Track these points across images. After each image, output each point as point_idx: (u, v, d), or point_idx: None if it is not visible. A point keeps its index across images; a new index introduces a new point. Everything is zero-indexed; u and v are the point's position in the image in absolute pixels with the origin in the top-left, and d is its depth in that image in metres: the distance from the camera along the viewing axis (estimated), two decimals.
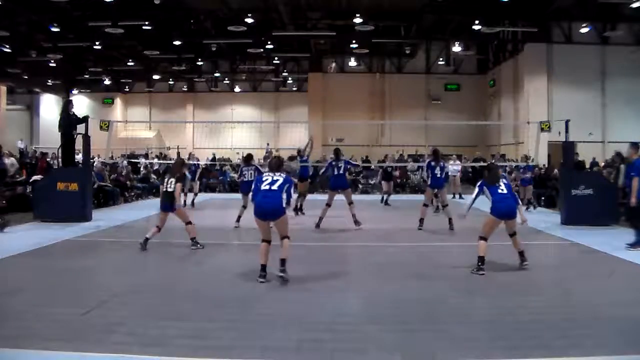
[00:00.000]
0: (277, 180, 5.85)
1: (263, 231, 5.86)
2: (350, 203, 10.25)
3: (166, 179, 7.81)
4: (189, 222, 7.84)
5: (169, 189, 7.61)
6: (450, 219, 9.99)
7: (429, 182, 10.43)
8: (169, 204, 7.65)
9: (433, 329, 4.34)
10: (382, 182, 15.85)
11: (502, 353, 3.80)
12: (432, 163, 10.32)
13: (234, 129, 29.76)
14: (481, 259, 6.32)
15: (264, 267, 5.76)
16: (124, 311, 4.73)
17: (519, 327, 4.34)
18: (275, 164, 6.18)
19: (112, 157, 15.36)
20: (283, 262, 5.76)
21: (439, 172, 10.19)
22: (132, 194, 16.08)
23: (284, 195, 5.88)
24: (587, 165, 17.74)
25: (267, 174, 6.03)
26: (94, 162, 14.06)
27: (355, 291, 5.53)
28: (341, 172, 10.46)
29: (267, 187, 5.81)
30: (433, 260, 7.40)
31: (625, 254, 7.45)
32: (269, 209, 5.74)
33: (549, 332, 4.18)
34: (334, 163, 10.62)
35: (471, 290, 5.58)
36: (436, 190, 10.58)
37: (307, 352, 3.83)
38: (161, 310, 4.79)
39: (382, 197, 15.56)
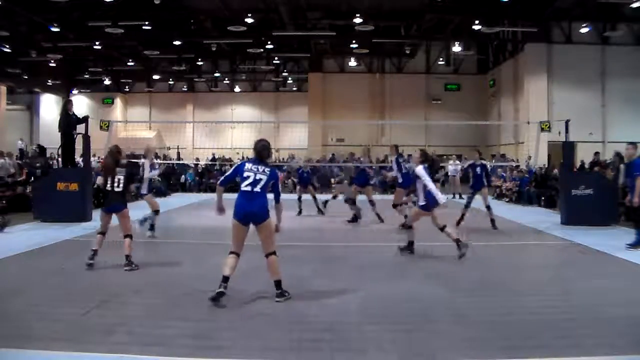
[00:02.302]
0: (261, 179, 4.97)
1: (237, 240, 5.03)
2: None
3: (110, 176, 6.60)
4: (129, 236, 6.66)
5: (116, 189, 6.55)
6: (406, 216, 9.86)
7: (400, 181, 10.00)
8: (116, 204, 6.60)
9: (432, 329, 4.34)
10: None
11: (502, 353, 3.79)
12: (400, 160, 10.10)
13: (234, 129, 29.78)
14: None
15: (226, 278, 4.90)
16: (124, 311, 4.73)
17: (519, 327, 4.33)
18: (262, 149, 5.14)
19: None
20: (278, 284, 5.05)
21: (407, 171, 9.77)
22: (132, 193, 16.03)
23: (270, 196, 5.16)
24: (587, 166, 17.75)
25: (250, 167, 5.03)
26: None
27: (354, 291, 5.52)
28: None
29: (249, 188, 4.95)
30: (432, 259, 7.39)
31: (625, 253, 7.44)
32: (253, 211, 4.94)
33: (549, 332, 4.18)
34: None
35: (470, 290, 5.58)
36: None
37: (307, 352, 3.82)
38: (161, 310, 4.79)
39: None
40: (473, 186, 10.70)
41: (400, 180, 9.95)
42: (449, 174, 19.21)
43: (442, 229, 7.23)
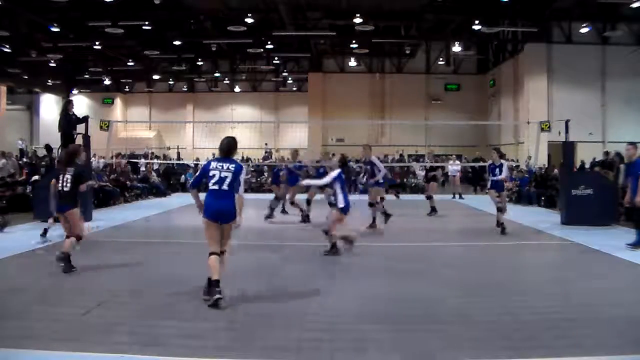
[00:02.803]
0: (226, 177, 4.97)
1: (212, 239, 5.00)
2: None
3: (61, 175, 6.43)
4: (78, 236, 6.35)
5: (65, 189, 6.32)
6: (378, 217, 9.97)
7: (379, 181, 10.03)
8: (63, 204, 6.39)
9: (433, 329, 4.33)
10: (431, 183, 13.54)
11: (502, 353, 3.79)
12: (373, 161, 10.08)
13: (234, 129, 29.59)
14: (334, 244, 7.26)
15: (217, 283, 4.83)
16: (124, 311, 4.73)
17: (519, 327, 4.33)
18: (227, 146, 5.18)
19: (112, 157, 15.38)
20: (217, 283, 4.83)
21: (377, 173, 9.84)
22: (132, 194, 16.08)
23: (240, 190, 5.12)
24: (587, 166, 17.74)
25: (215, 165, 5.05)
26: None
27: (354, 291, 5.52)
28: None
29: (216, 187, 4.97)
30: (432, 259, 7.39)
31: (625, 253, 7.44)
32: (223, 210, 4.95)
33: (549, 332, 4.18)
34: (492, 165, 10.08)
35: (471, 290, 5.58)
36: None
37: (307, 352, 3.82)
38: (161, 310, 4.78)
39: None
40: (494, 187, 10.00)
41: (381, 181, 10.16)
42: (449, 174, 19.21)
43: (326, 232, 7.24)
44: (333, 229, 7.20)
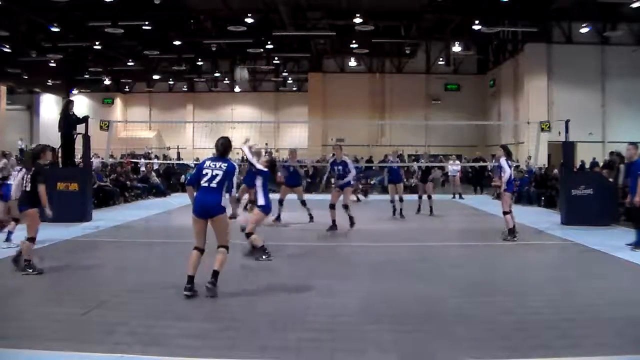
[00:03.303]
0: (217, 175, 5.20)
1: (198, 234, 5.24)
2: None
3: (23, 174, 6.46)
4: (30, 239, 6.16)
5: (27, 189, 6.29)
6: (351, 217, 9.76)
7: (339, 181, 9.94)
8: (22, 203, 6.37)
9: (433, 329, 4.33)
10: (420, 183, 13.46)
11: (502, 353, 3.79)
12: (334, 161, 10.00)
13: (234, 129, 29.58)
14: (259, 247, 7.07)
15: (191, 279, 5.12)
16: (124, 311, 4.72)
17: (519, 327, 4.33)
18: (222, 146, 5.45)
19: (112, 157, 15.38)
20: (215, 274, 5.14)
21: (341, 171, 9.74)
22: (132, 194, 16.08)
23: (228, 194, 5.33)
24: (587, 166, 17.75)
25: (208, 164, 5.30)
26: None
27: (354, 291, 5.52)
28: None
29: (207, 184, 5.21)
30: (432, 259, 7.39)
31: (625, 253, 7.44)
32: (207, 205, 5.16)
33: (549, 332, 4.18)
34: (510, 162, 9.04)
35: (471, 290, 5.58)
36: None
37: (307, 352, 3.82)
38: (161, 310, 4.78)
39: (419, 205, 12.92)
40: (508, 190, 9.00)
41: (352, 182, 10.26)
42: (449, 174, 19.20)
43: (247, 234, 7.13)
44: (250, 228, 7.10)
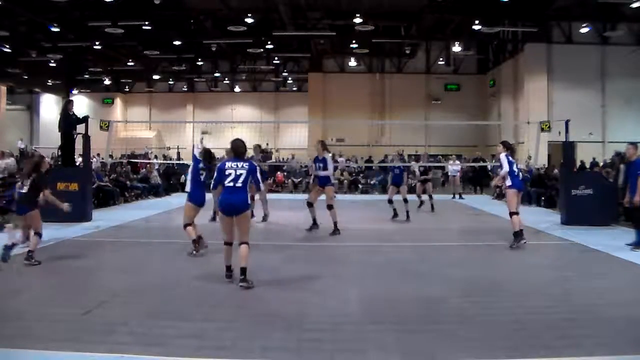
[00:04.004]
0: (241, 174, 5.54)
1: (226, 229, 5.68)
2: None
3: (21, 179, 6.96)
4: (38, 234, 6.79)
5: (24, 190, 6.74)
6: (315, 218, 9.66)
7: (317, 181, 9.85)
8: (24, 205, 6.78)
9: (433, 329, 4.33)
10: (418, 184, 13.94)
11: (502, 353, 3.80)
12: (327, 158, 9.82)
13: (234, 129, 29.60)
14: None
15: (228, 268, 5.71)
16: (124, 311, 4.72)
17: (519, 327, 4.33)
18: (240, 147, 5.79)
19: (111, 157, 15.38)
20: (244, 271, 5.46)
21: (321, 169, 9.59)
22: (132, 194, 16.08)
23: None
24: (587, 166, 17.73)
25: (230, 165, 5.61)
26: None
27: (355, 291, 5.52)
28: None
29: (232, 183, 5.54)
30: (433, 260, 7.39)
31: (625, 253, 7.44)
32: (234, 204, 5.52)
33: (549, 332, 4.18)
34: (511, 158, 8.33)
35: (471, 290, 5.58)
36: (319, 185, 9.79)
37: (307, 352, 3.82)
38: (161, 310, 4.78)
39: (420, 202, 13.41)
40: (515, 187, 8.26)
41: (333, 181, 10.30)
42: (449, 174, 19.19)
43: (184, 226, 7.35)
44: (186, 220, 7.33)
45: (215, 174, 5.77)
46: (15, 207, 7.18)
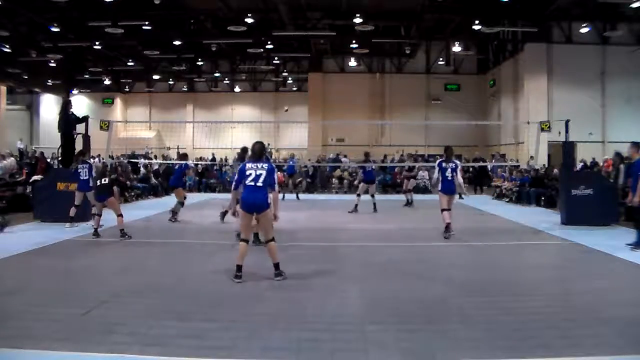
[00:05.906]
0: (261, 174, 5.85)
1: (245, 226, 5.96)
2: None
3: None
4: (120, 215, 9.02)
5: (104, 181, 8.89)
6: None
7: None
8: (103, 194, 8.98)
9: (433, 329, 4.33)
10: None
11: (502, 353, 3.80)
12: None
13: (234, 128, 29.75)
14: None
15: (240, 268, 5.80)
16: (124, 311, 4.73)
17: (519, 327, 4.33)
18: (259, 150, 6.11)
19: (111, 157, 15.37)
20: (277, 266, 5.88)
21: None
22: (132, 194, 16.08)
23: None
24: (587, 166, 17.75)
25: (250, 166, 5.95)
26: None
27: (355, 291, 5.53)
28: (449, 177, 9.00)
29: (252, 183, 5.84)
30: (433, 260, 7.39)
31: (625, 253, 7.44)
32: (256, 202, 5.82)
33: (549, 332, 4.18)
34: (444, 165, 9.06)
35: (471, 290, 5.58)
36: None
37: (307, 352, 3.82)
38: (161, 310, 4.78)
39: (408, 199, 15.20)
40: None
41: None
42: None
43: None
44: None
45: (237, 175, 6.08)
46: (96, 197, 9.13)
